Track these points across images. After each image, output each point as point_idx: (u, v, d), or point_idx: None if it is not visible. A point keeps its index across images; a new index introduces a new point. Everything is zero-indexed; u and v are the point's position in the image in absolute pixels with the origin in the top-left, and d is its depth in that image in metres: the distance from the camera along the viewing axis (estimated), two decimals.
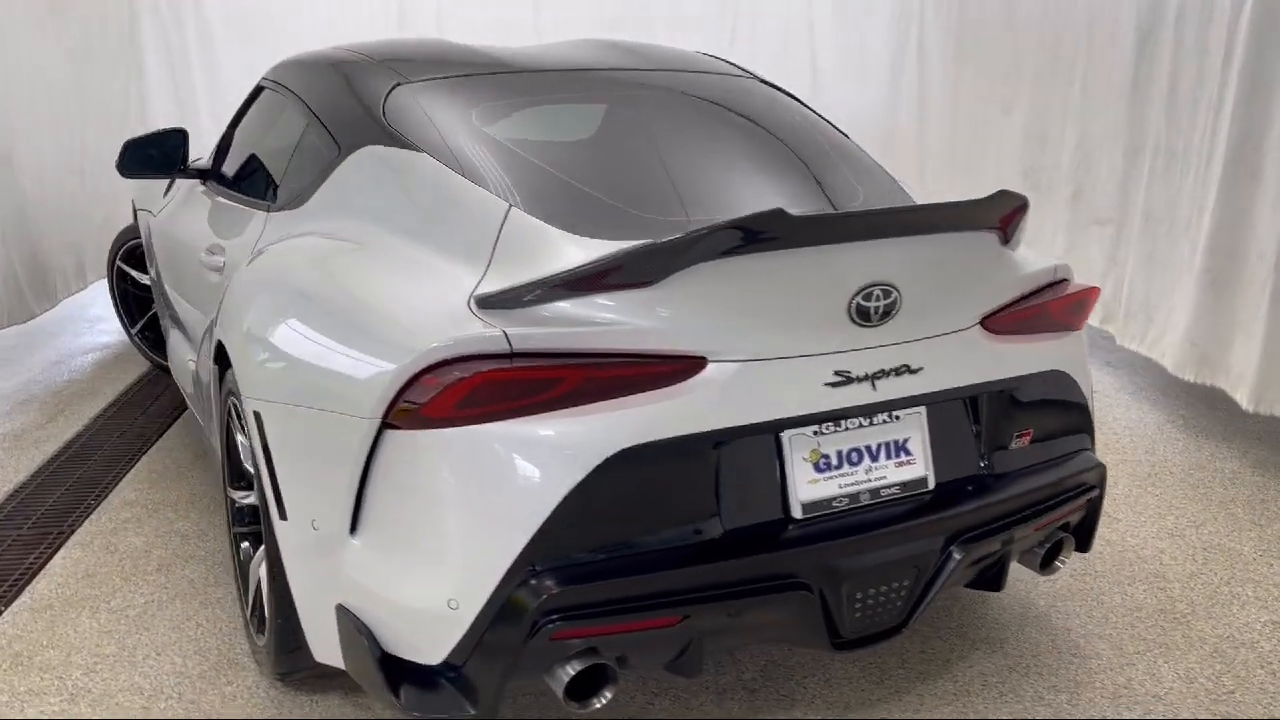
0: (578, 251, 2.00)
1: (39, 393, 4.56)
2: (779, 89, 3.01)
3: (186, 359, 3.52)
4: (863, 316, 1.96)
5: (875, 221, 1.93)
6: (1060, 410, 2.31)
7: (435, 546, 1.86)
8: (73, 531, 3.25)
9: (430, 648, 1.90)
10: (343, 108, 2.65)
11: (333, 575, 2.01)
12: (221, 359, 2.54)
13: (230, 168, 3.43)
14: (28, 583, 2.95)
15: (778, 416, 1.92)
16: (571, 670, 1.86)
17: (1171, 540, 3.17)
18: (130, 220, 4.83)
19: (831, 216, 1.93)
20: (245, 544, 2.65)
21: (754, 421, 1.90)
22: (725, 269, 1.86)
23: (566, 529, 1.81)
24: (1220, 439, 3.96)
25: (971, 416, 2.18)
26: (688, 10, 6.75)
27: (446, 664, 1.90)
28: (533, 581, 1.81)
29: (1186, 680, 2.49)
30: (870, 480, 2.05)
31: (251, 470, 2.46)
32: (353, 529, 1.96)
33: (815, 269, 1.91)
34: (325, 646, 2.12)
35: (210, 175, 3.54)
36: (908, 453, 2.10)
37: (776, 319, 1.93)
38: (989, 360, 2.15)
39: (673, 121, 2.60)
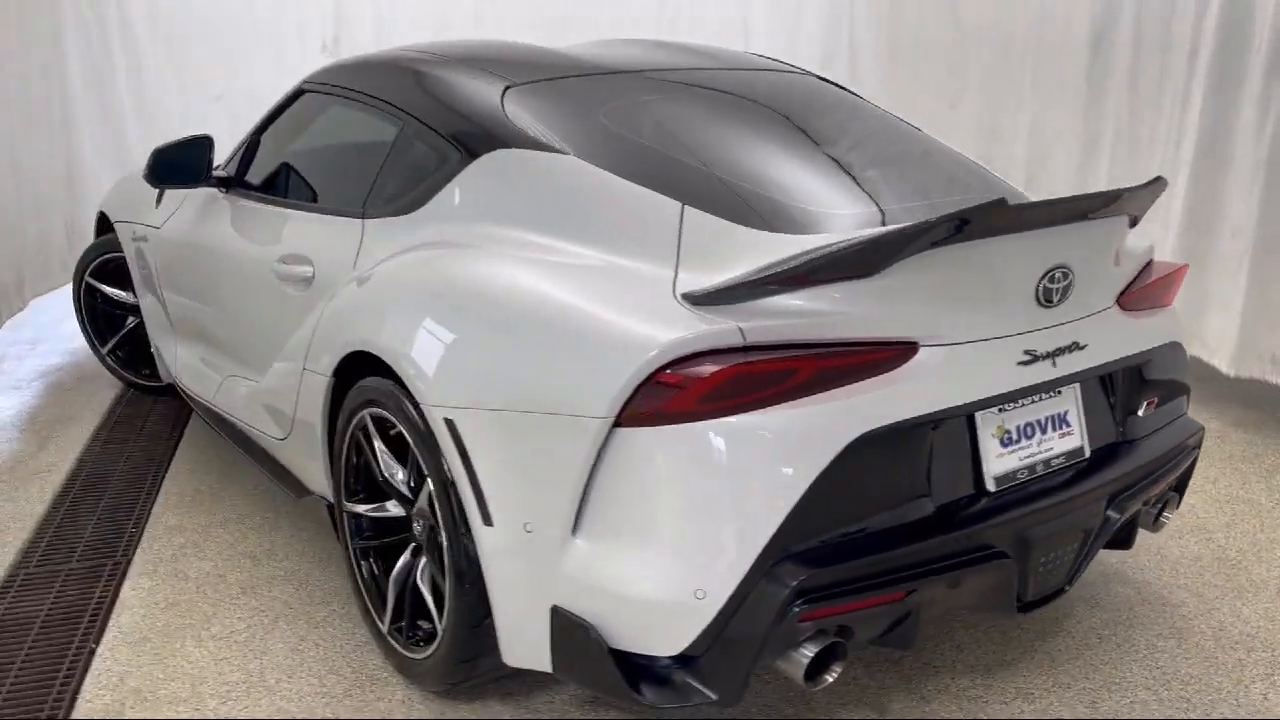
0: (776, 246, 2.06)
1: (11, 420, 4.28)
2: (842, 87, 3.14)
3: (224, 376, 3.39)
4: (1045, 298, 2.09)
5: (1066, 208, 2.06)
6: (1174, 378, 2.51)
7: (679, 539, 1.90)
8: (129, 561, 3.09)
9: (669, 640, 1.93)
10: (456, 111, 2.61)
11: (547, 576, 2.02)
12: (350, 370, 2.48)
13: (270, 176, 3.31)
14: (107, 617, 2.80)
15: (982, 396, 2.04)
16: (809, 652, 1.93)
17: (1196, 495, 3.46)
18: (92, 234, 4.60)
19: (1037, 205, 2.05)
20: (367, 559, 2.60)
21: (964, 401, 2.02)
22: (933, 256, 1.96)
23: (810, 514, 1.88)
24: (1198, 402, 4.30)
25: (1109, 387, 2.36)
26: (626, 10, 6.81)
27: (684, 655, 1.93)
28: (782, 566, 1.87)
29: (1269, 619, 2.74)
30: (1041, 452, 2.20)
31: (395, 480, 2.42)
32: (574, 528, 1.98)
33: (1010, 255, 2.04)
34: (525, 649, 2.11)
35: (235, 183, 3.41)
36: (1067, 424, 2.25)
37: (976, 303, 2.05)
38: (1129, 335, 2.32)
39: (785, 118, 2.68)
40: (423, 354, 2.20)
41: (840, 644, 1.96)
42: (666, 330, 1.89)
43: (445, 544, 2.20)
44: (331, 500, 2.76)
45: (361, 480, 2.59)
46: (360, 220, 2.74)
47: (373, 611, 2.59)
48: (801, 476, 1.86)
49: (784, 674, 1.99)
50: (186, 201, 3.68)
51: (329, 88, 3.13)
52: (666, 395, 1.86)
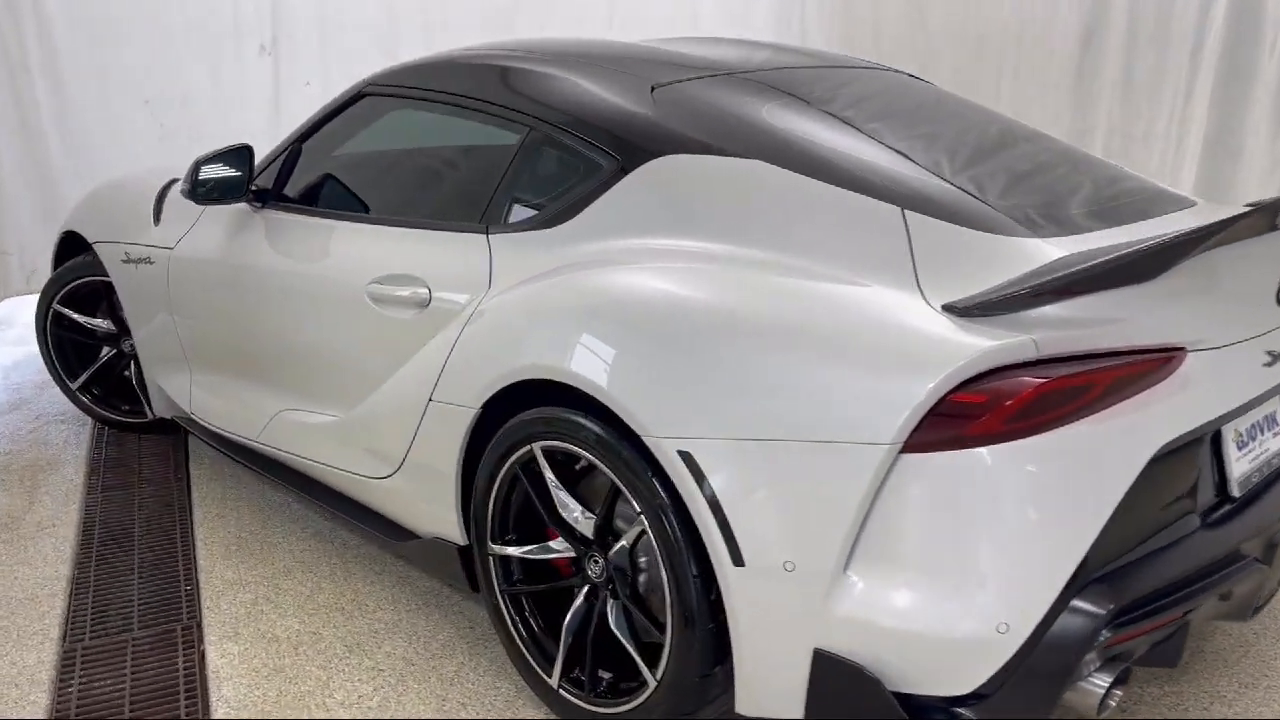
0: (1020, 252, 1.96)
1: None
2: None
3: (276, 411, 3.07)
4: None
5: None
6: None
7: (979, 570, 1.77)
8: (199, 624, 2.75)
9: (962, 679, 1.80)
10: (602, 115, 2.40)
11: (811, 617, 1.85)
12: (508, 403, 2.25)
13: (331, 188, 3.01)
14: (206, 691, 2.47)
15: (1241, 399, 1.99)
16: (1103, 681, 1.84)
17: None
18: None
19: None
20: (520, 607, 2.38)
21: (1231, 406, 1.96)
22: (1198, 259, 1.90)
23: (1112, 534, 1.78)
24: None
25: None
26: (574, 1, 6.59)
27: (975, 694, 1.81)
28: (1088, 592, 1.77)
29: None
30: (1263, 452, 2.16)
31: (573, 519, 2.21)
32: (846, 564, 1.82)
33: (1259, 257, 1.99)
34: (772, 697, 1.94)
35: (275, 197, 3.09)
36: (1276, 423, 2.23)
37: (1229, 305, 2.00)
38: None
39: (937, 120, 2.58)
40: (642, 382, 1.99)
41: (1129, 669, 1.88)
42: (958, 344, 1.76)
43: (670, 588, 2.01)
44: (457, 542, 2.51)
45: (517, 520, 2.36)
46: (483, 236, 2.50)
47: (534, 664, 2.36)
48: (1109, 495, 1.77)
49: (1069, 705, 1.88)
50: (205, 218, 3.31)
51: (404, 90, 2.85)
52: (966, 416, 1.73)
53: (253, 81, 5.98)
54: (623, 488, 2.05)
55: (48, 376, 4.48)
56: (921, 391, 1.73)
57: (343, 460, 2.82)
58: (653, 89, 2.44)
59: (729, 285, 2.04)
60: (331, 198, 3.02)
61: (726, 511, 1.89)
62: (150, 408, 3.88)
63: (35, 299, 5.88)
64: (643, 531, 2.06)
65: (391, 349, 2.61)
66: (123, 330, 3.94)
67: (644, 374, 2.00)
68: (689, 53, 2.78)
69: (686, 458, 1.91)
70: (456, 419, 2.38)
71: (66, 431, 4.10)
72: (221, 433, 3.33)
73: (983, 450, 1.74)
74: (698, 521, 1.92)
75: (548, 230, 2.39)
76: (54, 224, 5.57)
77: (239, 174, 3.04)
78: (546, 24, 6.40)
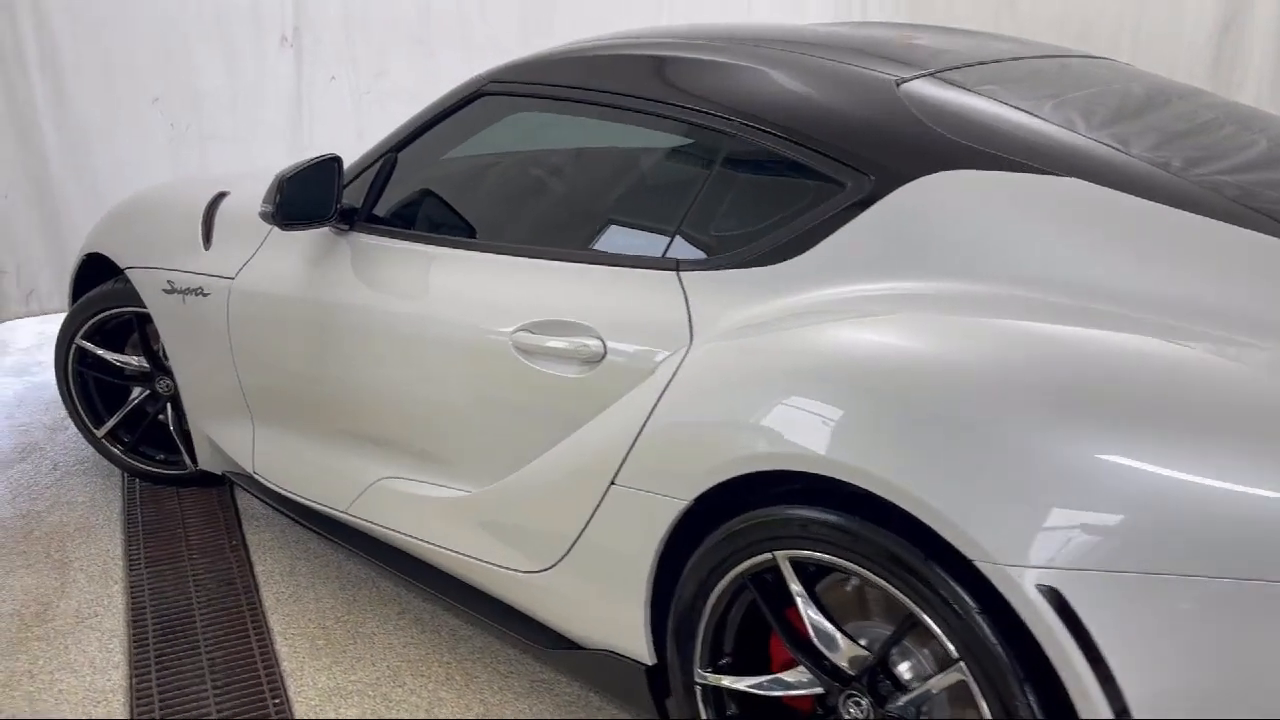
0: None
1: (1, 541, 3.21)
2: None
3: (374, 479, 2.53)
4: None
5: None
6: None
7: None
8: None
9: None
10: (842, 119, 1.88)
11: None
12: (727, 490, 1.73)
13: (440, 209, 2.47)
14: None
15: None
16: None
17: None
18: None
19: None
20: None
21: None
22: None
23: None
24: None
25: None
26: None
27: None
28: None
29: None
30: None
31: (832, 649, 1.69)
32: None
33: None
34: None
35: (365, 218, 2.56)
36: None
37: None
38: None
39: (1192, 114, 2.09)
40: (972, 485, 1.46)
41: None
42: None
43: None
44: (643, 661, 1.99)
45: (738, 644, 1.84)
46: (673, 274, 1.97)
47: None
48: None
49: None
50: (272, 241, 2.76)
51: (542, 88, 2.31)
52: None
53: (272, 76, 5.39)
54: (932, 625, 1.54)
55: (58, 414, 3.95)
56: None
57: (473, 546, 2.28)
58: (898, 84, 1.92)
59: (1078, 350, 1.52)
60: (444, 220, 2.48)
61: (1111, 664, 1.38)
62: (192, 459, 3.33)
63: (32, 322, 5.38)
64: (960, 681, 1.54)
65: (547, 413, 2.08)
66: (157, 367, 3.38)
67: (974, 474, 1.47)
68: (882, 37, 2.27)
69: (1054, 595, 1.40)
70: (653, 510, 1.86)
71: (91, 486, 3.53)
72: (294, 498, 2.78)
73: None
74: (1071, 688, 1.41)
75: (768, 268, 1.87)
76: (54, 237, 4.99)
77: (322, 191, 2.49)
78: (587, 13, 5.83)
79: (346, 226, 2.57)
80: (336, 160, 2.50)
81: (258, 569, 2.98)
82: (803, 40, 2.21)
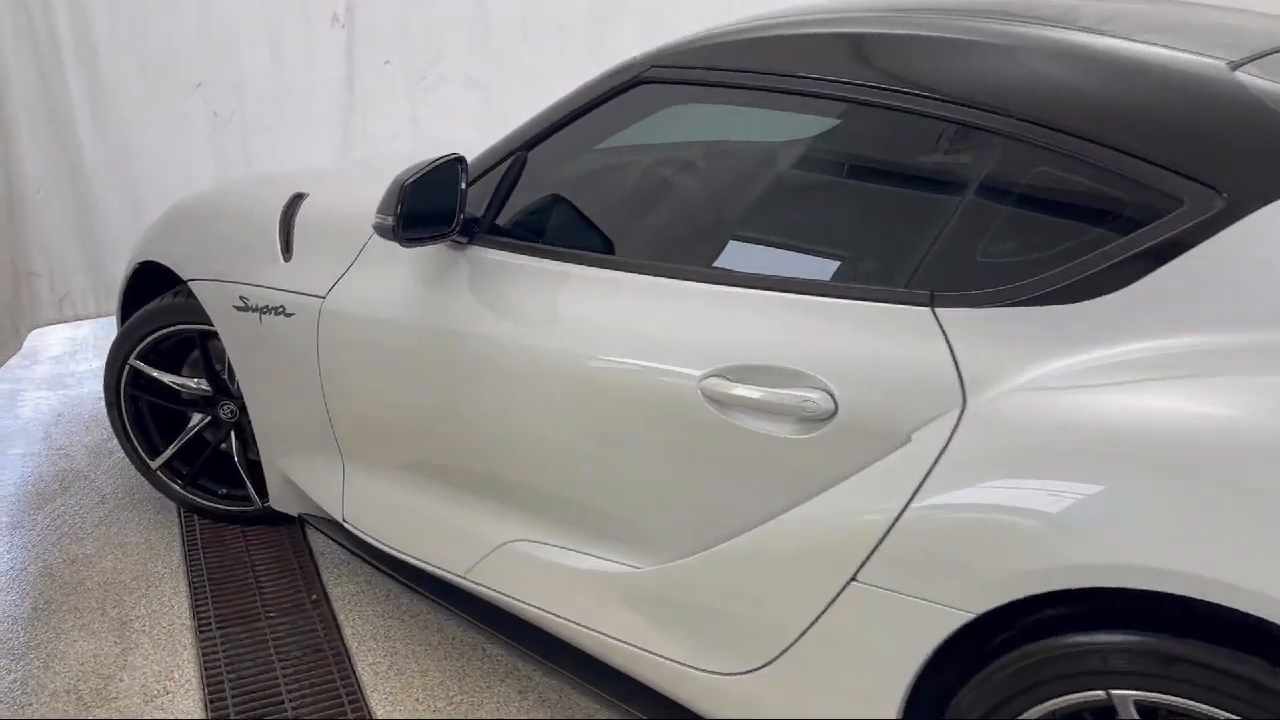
0: None
1: (47, 590, 2.80)
2: None
3: (501, 542, 2.12)
4: None
5: None
6: None
7: None
8: None
9: None
10: (1172, 119, 1.46)
11: None
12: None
13: (590, 221, 2.06)
14: None
15: None
16: None
17: None
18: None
19: None
20: None
21: None
22: None
23: None
24: None
25: None
26: None
27: None
28: None
29: None
30: None
31: None
32: None
33: None
34: None
35: (488, 229, 2.15)
36: None
37: None
38: None
39: None
40: None
41: None
42: None
43: None
44: None
45: None
46: (927, 310, 1.55)
47: None
48: None
49: None
50: (369, 253, 2.35)
51: (718, 74, 1.88)
52: None
53: (322, 60, 4.97)
54: None
55: (100, 433, 3.57)
56: None
57: (638, 634, 1.87)
58: (1233, 69, 1.50)
59: None
60: (591, 234, 2.06)
61: None
62: (260, 495, 2.93)
63: (63, 327, 4.97)
64: None
65: (754, 480, 1.67)
66: (219, 390, 2.97)
67: None
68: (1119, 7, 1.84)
69: None
70: (917, 620, 1.45)
71: (145, 523, 3.12)
72: (395, 554, 2.38)
73: None
74: None
75: (1068, 306, 1.44)
76: (88, 236, 4.57)
77: (444, 198, 2.08)
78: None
79: (465, 240, 2.16)
80: (461, 161, 2.09)
81: (346, 631, 2.58)
82: (1051, 17, 1.78)
